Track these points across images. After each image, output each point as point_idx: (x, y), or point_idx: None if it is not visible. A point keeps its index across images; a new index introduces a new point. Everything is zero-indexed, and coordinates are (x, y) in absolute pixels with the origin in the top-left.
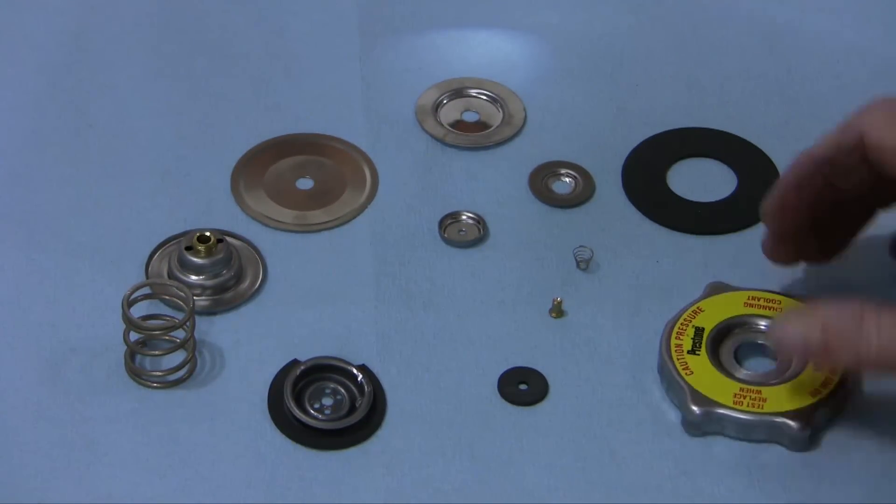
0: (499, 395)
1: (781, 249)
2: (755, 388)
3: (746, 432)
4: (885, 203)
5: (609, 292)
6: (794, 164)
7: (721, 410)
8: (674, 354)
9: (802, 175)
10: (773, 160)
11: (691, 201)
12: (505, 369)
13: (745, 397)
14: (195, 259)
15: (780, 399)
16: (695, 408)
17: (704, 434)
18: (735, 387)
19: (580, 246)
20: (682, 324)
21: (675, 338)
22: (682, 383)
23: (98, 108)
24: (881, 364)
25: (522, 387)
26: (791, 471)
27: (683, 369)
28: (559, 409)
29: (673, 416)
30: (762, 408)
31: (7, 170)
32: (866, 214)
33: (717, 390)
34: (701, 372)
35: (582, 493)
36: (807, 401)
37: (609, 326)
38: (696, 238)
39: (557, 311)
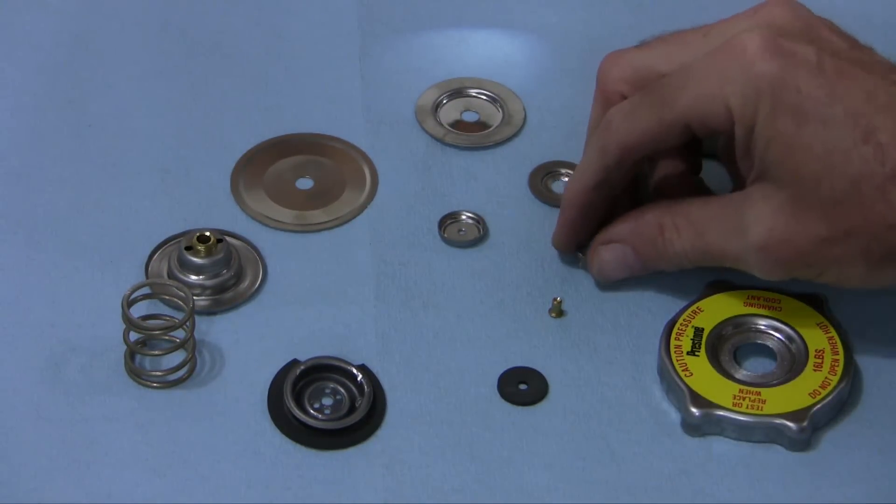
0: (499, 395)
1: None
2: (754, 389)
3: (746, 434)
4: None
5: (609, 292)
6: (566, 204)
7: (720, 412)
8: (673, 356)
9: (581, 206)
10: None
11: None
12: (505, 369)
13: (744, 399)
14: (195, 259)
15: (779, 400)
16: (694, 410)
17: (704, 435)
18: (734, 388)
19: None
20: (681, 324)
21: (675, 339)
22: (681, 385)
23: (98, 108)
24: (695, 263)
25: (522, 387)
26: (791, 471)
27: (683, 371)
28: (559, 409)
29: (673, 416)
30: (762, 409)
31: (7, 170)
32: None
33: (717, 392)
34: (700, 373)
35: (582, 493)
36: (806, 402)
37: (609, 326)
38: None
39: (557, 311)
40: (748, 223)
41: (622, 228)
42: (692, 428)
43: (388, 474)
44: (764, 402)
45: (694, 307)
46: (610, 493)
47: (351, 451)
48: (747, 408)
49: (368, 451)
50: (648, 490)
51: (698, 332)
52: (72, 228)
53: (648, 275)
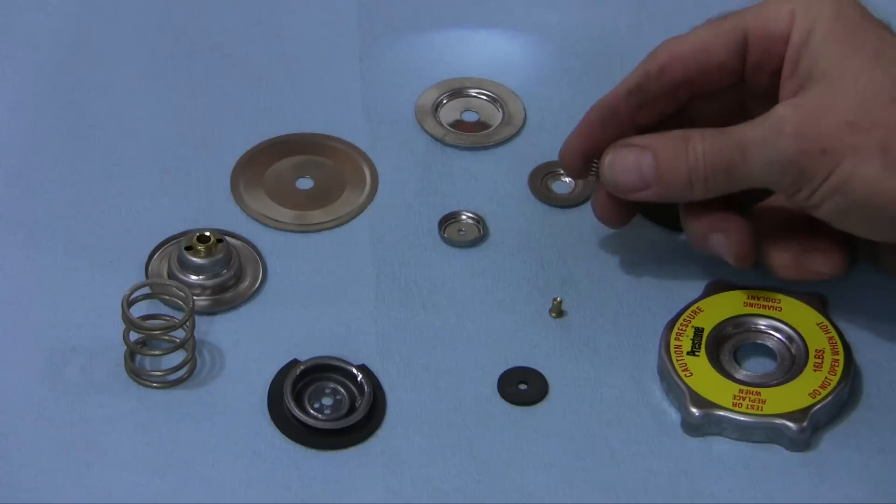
0: (499, 395)
1: (609, 207)
2: (754, 389)
3: (746, 434)
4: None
5: (609, 292)
6: (597, 103)
7: (720, 412)
8: (673, 356)
9: (606, 108)
10: None
11: None
12: (505, 369)
13: (744, 399)
14: (195, 259)
15: (779, 400)
16: (694, 410)
17: (704, 435)
18: (734, 388)
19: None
20: (681, 324)
21: (675, 339)
22: (681, 385)
23: (98, 108)
24: (709, 170)
25: (522, 387)
26: (791, 471)
27: (683, 371)
28: (559, 409)
29: (673, 416)
30: (762, 409)
31: (7, 170)
32: None
33: (717, 392)
34: (700, 373)
35: (582, 493)
36: (806, 402)
37: (609, 326)
38: None
39: (557, 311)
40: (777, 109)
41: (646, 135)
42: (692, 428)
43: (388, 474)
44: (764, 402)
45: (694, 307)
46: (610, 493)
47: (351, 451)
48: (747, 408)
49: (368, 451)
50: (648, 490)
51: (698, 332)
52: (72, 228)
53: (648, 275)
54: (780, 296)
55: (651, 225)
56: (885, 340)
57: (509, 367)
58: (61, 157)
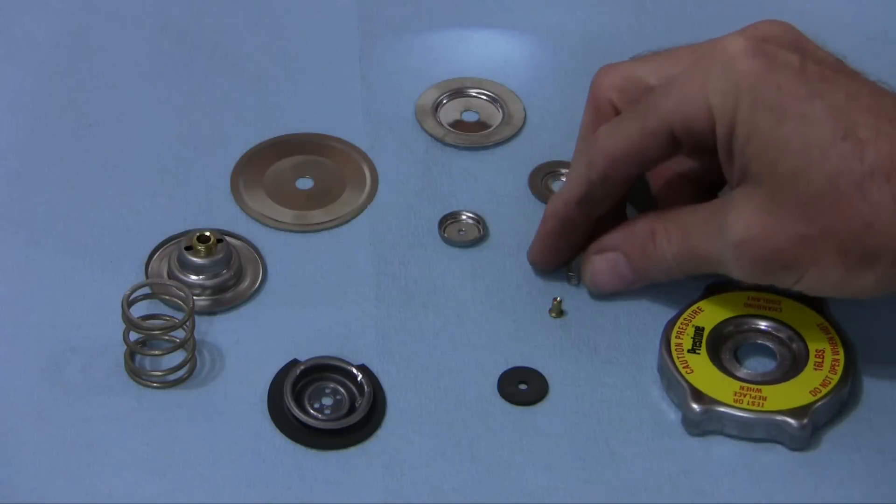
0: (499, 395)
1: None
2: (755, 386)
3: (747, 431)
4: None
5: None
6: (547, 215)
7: (721, 409)
8: (674, 353)
9: (562, 220)
10: None
11: None
12: (505, 369)
13: (745, 396)
14: (195, 259)
15: (780, 397)
16: (695, 406)
17: (704, 433)
18: (735, 385)
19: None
20: (682, 323)
21: (676, 337)
22: (682, 382)
23: (98, 108)
24: (683, 269)
25: (522, 387)
26: (791, 470)
27: (684, 368)
28: (559, 409)
29: (673, 415)
30: (762, 406)
31: (7, 170)
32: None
33: (718, 389)
34: (701, 370)
35: (582, 493)
36: (807, 399)
37: (609, 326)
38: None
39: (557, 311)
40: (729, 223)
41: (614, 236)
42: (693, 424)
43: (388, 474)
44: (765, 398)
45: (694, 307)
46: (610, 493)
47: (351, 451)
48: (748, 404)
49: (368, 451)
50: (648, 490)
51: (699, 331)
52: (72, 228)
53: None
54: (780, 297)
55: None
56: (885, 341)
57: (509, 367)
58: (61, 157)
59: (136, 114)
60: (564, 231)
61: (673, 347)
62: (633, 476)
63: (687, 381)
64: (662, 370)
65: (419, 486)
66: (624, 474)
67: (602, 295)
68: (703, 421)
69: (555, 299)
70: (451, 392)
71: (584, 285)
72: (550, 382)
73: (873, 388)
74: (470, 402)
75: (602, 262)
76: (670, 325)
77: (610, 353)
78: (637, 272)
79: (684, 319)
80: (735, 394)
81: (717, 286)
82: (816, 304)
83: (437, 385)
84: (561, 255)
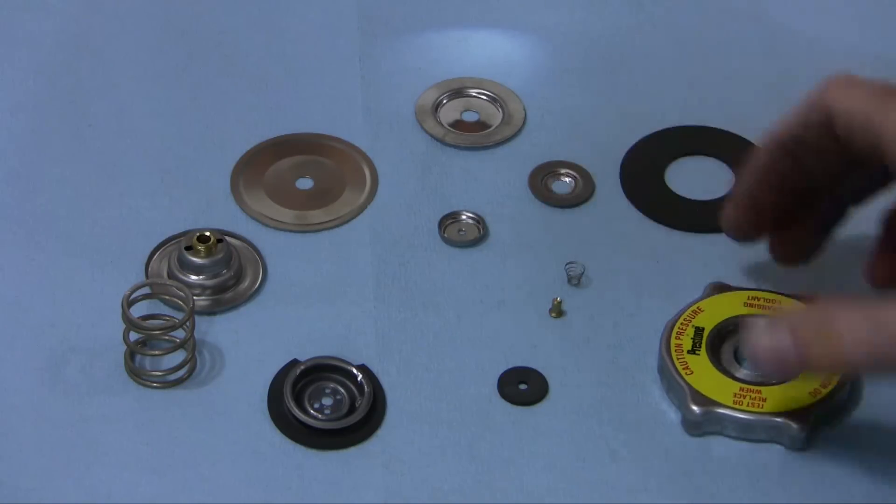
0: (498, 395)
1: (744, 224)
2: (755, 387)
3: (746, 432)
4: (856, 197)
5: (609, 292)
6: (759, 148)
7: (721, 410)
8: (674, 354)
9: (770, 158)
10: None
11: (690, 199)
12: (505, 369)
13: (744, 397)
14: (195, 259)
15: (779, 399)
16: (695, 407)
17: (704, 434)
18: (735, 386)
19: (570, 262)
20: (682, 324)
21: (675, 338)
22: (682, 383)
23: (98, 108)
24: (855, 363)
25: (522, 387)
26: (791, 471)
27: (683, 369)
28: (559, 409)
29: (673, 415)
30: (762, 408)
31: (7, 170)
32: (838, 212)
33: (718, 390)
34: (701, 372)
35: (582, 493)
36: (806, 401)
37: (609, 326)
38: (696, 237)
39: (557, 311)
40: None
41: (792, 313)
42: (692, 425)
43: (388, 474)
44: (764, 400)
45: (694, 307)
46: (610, 493)
47: (351, 451)
48: (748, 406)
49: (368, 451)
50: (648, 490)
51: (699, 331)
52: (72, 228)
53: (648, 274)
54: (779, 296)
55: (651, 225)
56: None
57: (509, 367)
58: (61, 157)
59: (136, 114)
60: (769, 171)
61: (673, 348)
62: (633, 476)
63: (687, 383)
64: (662, 371)
65: (419, 486)
66: (624, 474)
67: (763, 373)
68: (703, 422)
69: (555, 299)
70: (451, 392)
71: (744, 357)
72: (550, 382)
73: (873, 390)
74: (470, 403)
75: (769, 337)
76: (670, 325)
77: (610, 353)
78: (802, 357)
79: (684, 320)
80: (735, 395)
81: (717, 286)
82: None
83: (437, 385)
84: (755, 211)
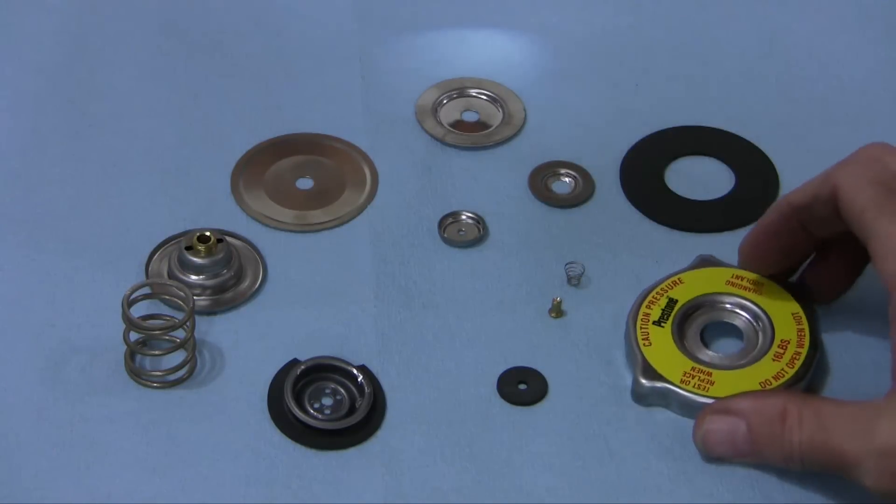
0: (498, 395)
1: (754, 267)
2: (707, 369)
3: (690, 412)
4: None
5: (609, 292)
6: (772, 207)
7: (667, 386)
8: (639, 322)
9: (779, 219)
10: (771, 158)
11: (689, 200)
12: (504, 369)
13: (693, 377)
14: (195, 259)
15: (727, 384)
16: (643, 380)
17: (650, 405)
18: (687, 365)
19: (570, 262)
20: (657, 293)
21: (646, 306)
22: (637, 353)
23: (98, 108)
24: (805, 460)
25: (522, 387)
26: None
27: (643, 339)
28: (558, 408)
29: (671, 414)
30: (707, 391)
31: (7, 170)
32: (859, 264)
33: (669, 366)
34: (659, 345)
35: (581, 493)
36: (754, 389)
37: (609, 326)
38: (696, 237)
39: (557, 311)
40: (880, 428)
41: (742, 402)
42: (639, 397)
43: (388, 474)
44: (712, 383)
45: (675, 277)
46: (610, 493)
47: (351, 451)
48: (694, 387)
49: (368, 451)
50: (648, 490)
51: (671, 302)
52: (72, 228)
53: (648, 274)
54: (763, 280)
55: (652, 225)
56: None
57: (509, 367)
58: (61, 157)
59: (136, 114)
60: (779, 231)
61: (640, 316)
62: (633, 476)
63: (641, 354)
64: (626, 338)
65: (419, 486)
66: (624, 474)
67: (709, 457)
68: (650, 395)
69: (555, 299)
70: (450, 392)
71: (694, 442)
72: (550, 382)
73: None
74: (469, 403)
75: (721, 423)
76: (645, 292)
77: (610, 353)
78: (754, 447)
79: (661, 289)
80: (685, 374)
81: (706, 258)
82: (800, 293)
83: (436, 385)
84: (769, 255)
